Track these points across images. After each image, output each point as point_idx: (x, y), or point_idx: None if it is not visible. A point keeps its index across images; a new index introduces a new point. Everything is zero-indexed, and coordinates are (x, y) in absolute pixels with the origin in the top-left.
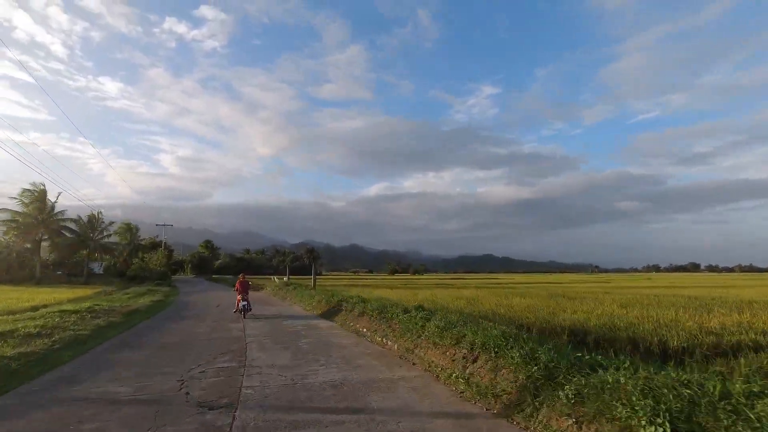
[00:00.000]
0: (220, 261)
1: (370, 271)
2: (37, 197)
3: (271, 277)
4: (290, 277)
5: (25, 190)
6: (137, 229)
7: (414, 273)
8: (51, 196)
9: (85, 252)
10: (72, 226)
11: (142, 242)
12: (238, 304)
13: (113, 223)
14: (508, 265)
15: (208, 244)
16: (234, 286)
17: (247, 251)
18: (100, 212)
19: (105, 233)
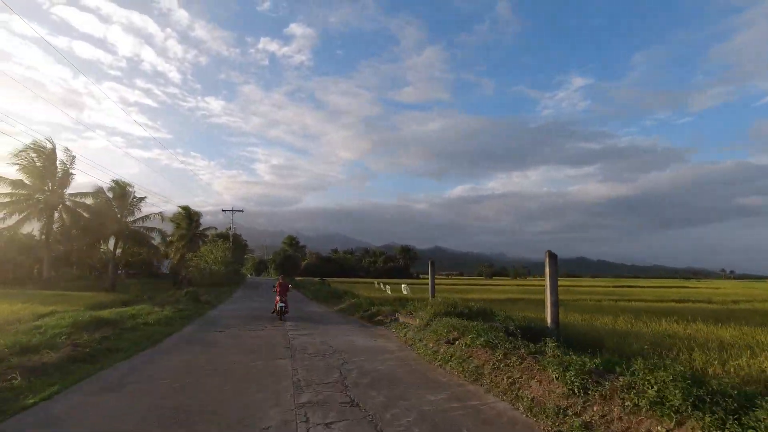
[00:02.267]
0: (306, 261)
1: (461, 274)
2: (44, 158)
3: (376, 282)
4: (400, 284)
5: (24, 148)
6: (198, 216)
7: (516, 277)
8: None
9: (107, 242)
10: (91, 203)
11: (207, 232)
12: (276, 305)
13: (143, 198)
14: (604, 269)
15: (292, 241)
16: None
17: (335, 251)
18: (125, 183)
19: (137, 214)
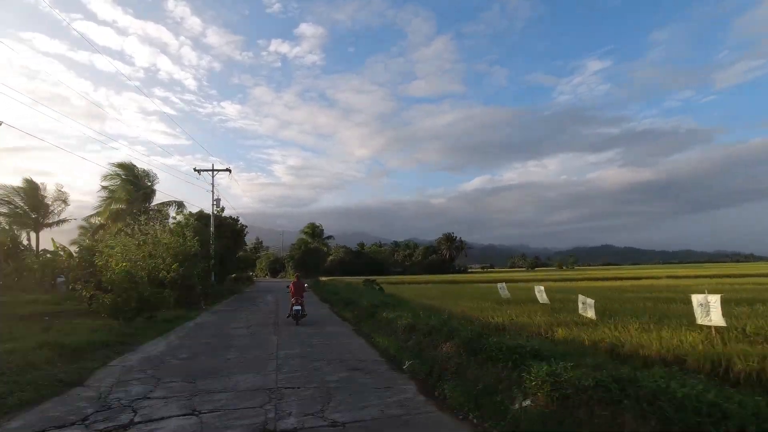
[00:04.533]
0: (332, 257)
1: (492, 266)
2: None
3: (503, 288)
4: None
5: None
6: (151, 179)
7: (561, 267)
8: None
9: None
10: None
11: (166, 208)
12: (291, 308)
13: None
14: (631, 256)
15: (315, 230)
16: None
17: (362, 245)
18: None
19: None
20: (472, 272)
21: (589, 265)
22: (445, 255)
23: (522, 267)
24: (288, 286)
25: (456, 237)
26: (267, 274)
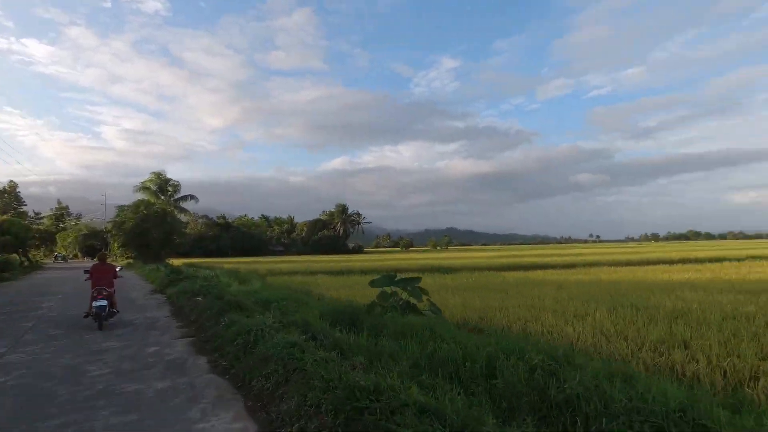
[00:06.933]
0: (189, 230)
1: (360, 246)
2: None
3: None
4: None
5: None
6: None
7: (434, 247)
8: None
9: None
10: None
11: None
12: (91, 304)
13: None
14: (471, 237)
15: (163, 184)
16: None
17: (222, 217)
18: None
19: None
20: (368, 252)
21: (447, 247)
22: (339, 231)
23: (389, 247)
24: (86, 272)
25: (350, 210)
26: (78, 254)
